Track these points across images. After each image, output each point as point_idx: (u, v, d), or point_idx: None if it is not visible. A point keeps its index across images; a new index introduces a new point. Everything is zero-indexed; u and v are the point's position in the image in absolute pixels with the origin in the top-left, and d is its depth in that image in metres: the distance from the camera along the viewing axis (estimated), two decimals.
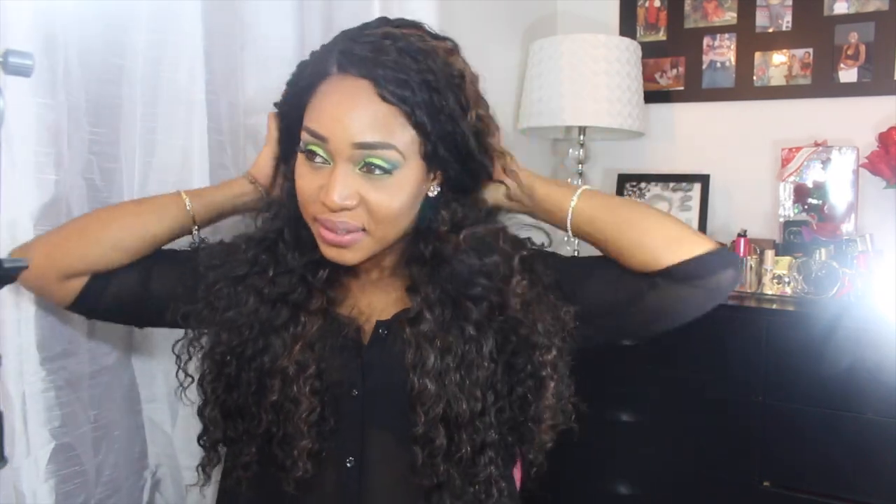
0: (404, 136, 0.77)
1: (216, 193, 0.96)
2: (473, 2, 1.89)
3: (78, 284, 0.88)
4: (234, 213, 0.97)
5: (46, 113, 0.92)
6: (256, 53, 1.23)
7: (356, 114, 0.76)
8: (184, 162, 1.12)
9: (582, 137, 2.09)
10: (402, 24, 0.84)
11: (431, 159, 0.80)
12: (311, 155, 0.79)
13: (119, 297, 0.90)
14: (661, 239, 0.85)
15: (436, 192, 0.84)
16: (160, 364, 1.15)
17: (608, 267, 0.90)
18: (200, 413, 0.87)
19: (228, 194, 0.95)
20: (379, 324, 0.87)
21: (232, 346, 0.84)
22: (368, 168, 0.77)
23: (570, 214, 0.89)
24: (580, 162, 2.10)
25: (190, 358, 0.88)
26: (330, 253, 0.81)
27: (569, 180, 2.14)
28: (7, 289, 0.58)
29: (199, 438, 0.89)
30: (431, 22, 1.42)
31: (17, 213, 0.91)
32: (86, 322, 1.03)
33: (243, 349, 0.83)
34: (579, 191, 0.90)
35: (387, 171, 0.77)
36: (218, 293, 0.85)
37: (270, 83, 1.26)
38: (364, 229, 0.79)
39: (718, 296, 0.88)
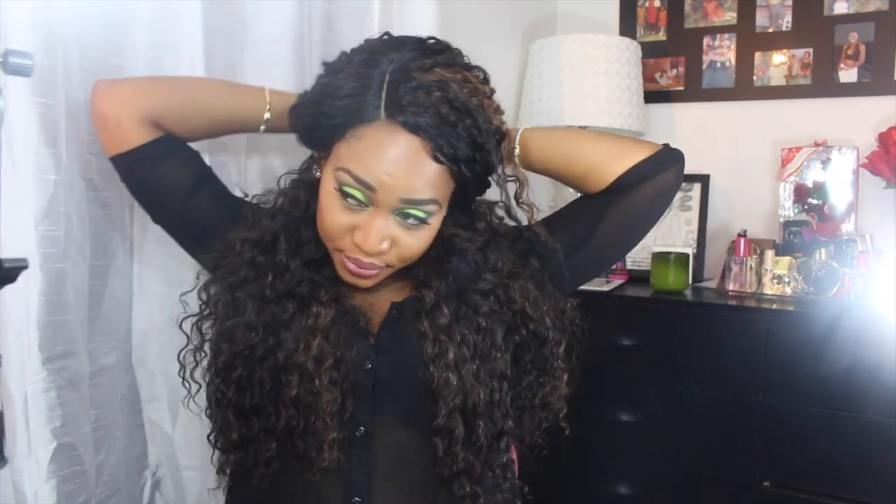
0: (447, 189, 0.81)
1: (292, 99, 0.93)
2: (473, 2, 1.89)
3: (150, 134, 0.88)
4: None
5: (46, 113, 0.92)
6: (256, 53, 1.23)
7: (411, 173, 0.77)
8: None
9: None
10: (445, 59, 0.80)
11: (463, 202, 0.87)
12: (347, 196, 0.78)
13: (168, 178, 0.91)
14: (602, 156, 0.91)
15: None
16: (160, 364, 1.15)
17: (572, 208, 0.98)
18: (212, 416, 0.88)
19: None
20: (393, 305, 0.89)
21: (236, 351, 0.84)
22: (405, 216, 0.80)
23: (516, 150, 0.94)
24: None
25: (196, 365, 0.90)
26: (349, 280, 0.84)
27: None
28: (8, 289, 0.58)
29: (209, 437, 0.90)
30: (431, 22, 1.43)
31: (17, 212, 0.91)
32: (86, 322, 1.03)
33: (251, 352, 0.84)
34: (520, 130, 0.95)
35: (423, 221, 0.80)
36: (216, 303, 0.87)
37: (270, 83, 1.26)
38: (389, 266, 0.83)
39: (664, 195, 0.94)
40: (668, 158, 0.92)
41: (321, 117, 0.79)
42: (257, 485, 0.86)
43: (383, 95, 0.75)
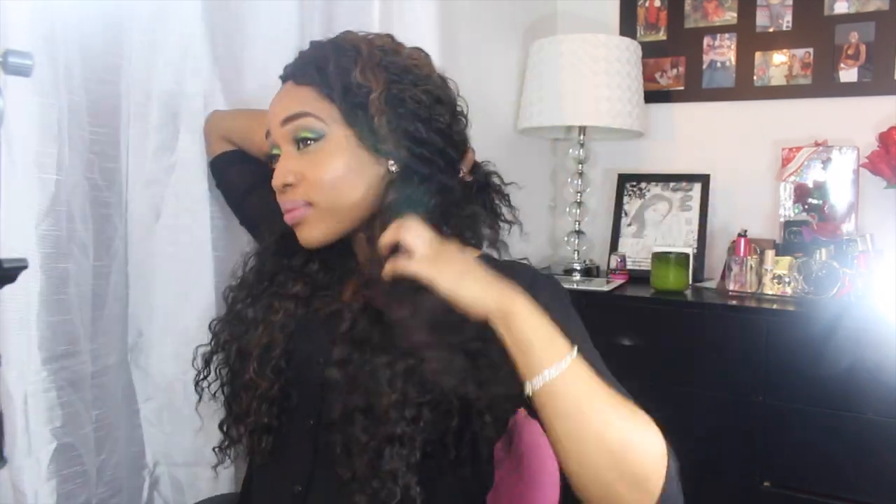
0: (320, 105, 0.84)
1: None
2: (473, 2, 1.89)
3: (222, 147, 1.13)
4: None
5: (47, 113, 0.92)
6: (256, 53, 1.23)
7: (281, 100, 0.87)
8: (183, 161, 1.13)
9: (582, 137, 2.09)
10: (343, 33, 0.91)
11: (351, 126, 0.83)
12: (273, 158, 0.88)
13: (232, 182, 1.13)
14: (606, 482, 0.68)
15: (394, 168, 0.85)
16: (155, 363, 1.15)
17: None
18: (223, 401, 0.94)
19: None
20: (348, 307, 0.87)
21: (228, 340, 0.92)
22: (303, 143, 0.84)
23: (530, 387, 0.70)
24: (580, 162, 2.10)
25: (209, 373, 0.93)
26: (298, 236, 0.87)
27: (568, 180, 2.14)
28: (8, 289, 0.58)
29: (220, 426, 0.94)
30: (431, 22, 1.43)
31: (19, 212, 0.91)
32: (88, 322, 1.03)
33: (238, 341, 0.91)
34: (568, 358, 0.70)
35: (315, 140, 0.84)
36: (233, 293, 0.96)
37: (270, 83, 1.26)
38: (311, 203, 0.84)
39: None
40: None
41: None
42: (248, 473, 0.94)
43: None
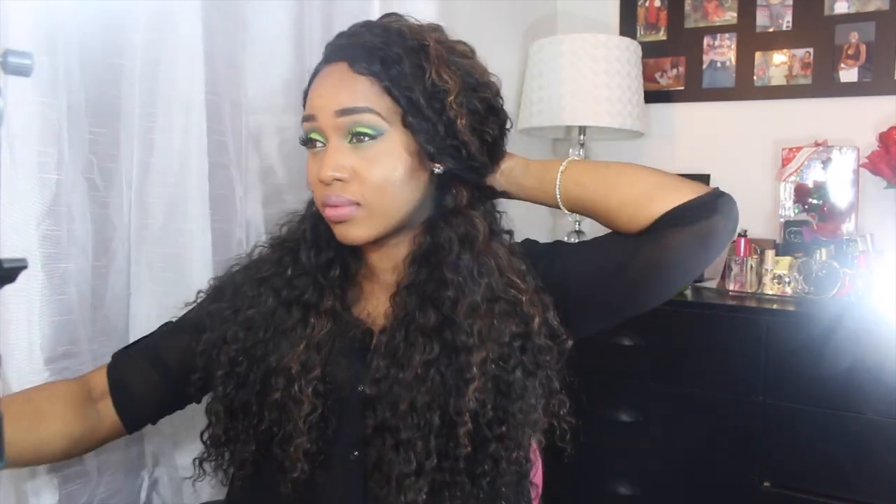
0: (382, 102, 0.80)
1: None
2: (473, 2, 1.89)
3: (106, 405, 0.90)
4: None
5: (47, 113, 0.92)
6: (256, 53, 1.23)
7: (335, 87, 0.81)
8: (182, 162, 1.12)
9: (582, 137, 2.08)
10: (387, 15, 0.87)
11: (413, 129, 0.81)
12: (310, 143, 0.83)
13: (147, 394, 0.91)
14: (644, 190, 0.85)
15: (441, 170, 0.84)
16: None
17: (600, 238, 0.91)
18: (208, 410, 0.89)
19: None
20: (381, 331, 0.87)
21: (247, 346, 0.85)
22: (358, 138, 0.80)
23: (558, 182, 0.89)
24: None
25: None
26: (339, 232, 0.84)
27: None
28: (9, 289, 0.58)
29: (201, 434, 0.90)
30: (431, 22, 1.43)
31: (18, 212, 0.91)
32: (88, 322, 1.03)
33: (255, 349, 0.85)
34: (566, 160, 0.91)
35: (373, 137, 0.80)
36: (242, 294, 0.89)
37: (271, 83, 1.27)
38: (359, 203, 0.81)
39: (705, 245, 0.84)
40: (715, 205, 0.84)
41: (303, 106, 0.86)
42: (229, 488, 0.88)
43: (324, 53, 0.85)
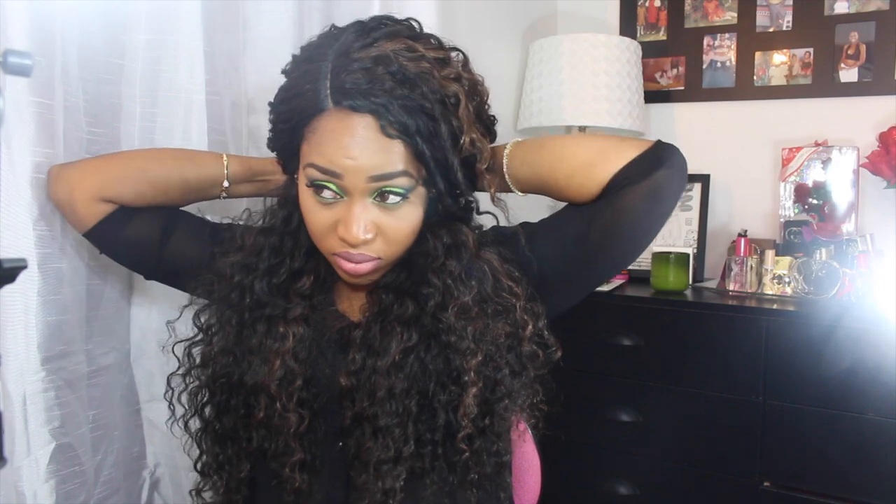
0: (412, 161, 0.77)
1: (255, 164, 1.00)
2: (473, 2, 1.89)
3: (104, 210, 0.92)
4: (261, 194, 0.97)
5: (45, 113, 0.92)
6: (256, 53, 1.23)
7: (371, 150, 0.75)
8: None
9: None
10: (385, 34, 0.78)
11: (427, 183, 0.80)
12: (318, 190, 0.78)
13: (136, 238, 0.94)
14: (588, 158, 0.84)
15: (431, 195, 0.83)
16: (158, 364, 1.15)
17: (557, 214, 0.90)
18: (198, 441, 0.89)
19: (263, 169, 0.99)
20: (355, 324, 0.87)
21: (216, 376, 0.85)
22: (383, 196, 0.77)
23: (505, 165, 0.88)
24: None
25: (186, 388, 0.90)
26: (347, 278, 0.83)
27: None
28: (7, 289, 0.58)
29: (194, 464, 0.91)
30: (431, 22, 1.43)
31: (17, 213, 0.91)
32: (84, 322, 1.03)
33: (227, 377, 0.84)
34: (510, 143, 0.90)
35: (403, 197, 0.78)
36: (208, 329, 0.88)
37: (271, 83, 1.26)
38: (380, 258, 0.80)
39: (658, 198, 0.83)
40: (659, 156, 0.82)
41: (279, 124, 0.81)
42: None
43: (328, 85, 0.75)
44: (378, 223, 0.78)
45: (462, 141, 0.78)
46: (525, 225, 0.92)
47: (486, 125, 0.86)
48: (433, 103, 0.75)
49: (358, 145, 0.74)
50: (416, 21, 0.83)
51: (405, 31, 0.80)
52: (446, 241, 0.83)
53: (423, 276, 0.82)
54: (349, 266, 0.80)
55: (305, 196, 0.80)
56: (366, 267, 0.80)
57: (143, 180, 0.92)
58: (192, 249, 0.94)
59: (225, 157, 0.98)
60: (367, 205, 0.77)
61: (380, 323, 0.81)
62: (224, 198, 0.99)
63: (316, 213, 0.79)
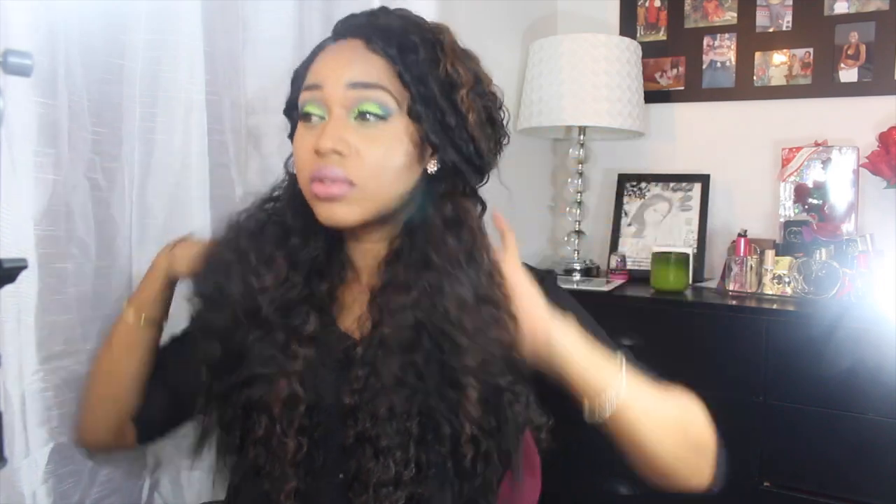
0: (394, 85, 0.78)
1: (149, 285, 0.94)
2: (473, 2, 1.89)
3: (129, 432, 0.94)
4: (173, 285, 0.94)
5: (47, 113, 0.92)
6: (256, 53, 1.23)
7: (348, 60, 0.78)
8: (183, 162, 1.12)
9: (582, 137, 2.09)
10: (398, 9, 0.85)
11: (419, 119, 0.78)
12: (307, 117, 0.79)
13: (165, 418, 0.96)
14: (682, 478, 0.82)
15: (434, 169, 0.81)
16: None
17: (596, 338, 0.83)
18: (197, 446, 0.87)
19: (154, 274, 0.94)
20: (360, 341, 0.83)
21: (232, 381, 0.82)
22: (363, 116, 0.77)
23: (607, 408, 0.79)
24: (580, 162, 2.10)
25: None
26: (323, 212, 0.79)
27: (568, 180, 2.14)
28: (6, 289, 0.58)
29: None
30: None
31: (18, 213, 0.91)
32: (87, 322, 1.03)
33: (235, 381, 0.81)
34: (619, 385, 0.79)
35: (381, 118, 0.77)
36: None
37: (271, 83, 1.27)
38: (352, 183, 0.77)
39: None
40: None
41: (292, 83, 0.86)
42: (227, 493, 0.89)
43: (334, 29, 0.84)
44: (354, 143, 0.77)
45: (443, 67, 0.79)
46: (554, 282, 0.90)
47: (492, 120, 0.84)
48: (418, 36, 0.79)
49: (341, 57, 0.79)
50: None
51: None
52: (448, 212, 0.80)
53: (424, 256, 0.78)
54: (320, 188, 0.77)
55: (297, 132, 0.81)
56: (337, 188, 0.76)
57: (113, 405, 0.92)
58: (190, 365, 0.86)
59: (131, 316, 0.93)
60: (344, 121, 0.77)
61: (379, 342, 0.78)
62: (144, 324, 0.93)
63: (302, 139, 0.80)
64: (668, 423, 0.82)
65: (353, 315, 0.84)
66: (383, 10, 0.83)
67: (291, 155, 0.86)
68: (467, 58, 0.84)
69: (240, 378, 0.80)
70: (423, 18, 0.84)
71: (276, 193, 0.88)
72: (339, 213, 0.78)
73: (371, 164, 0.77)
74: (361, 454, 0.77)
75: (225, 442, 0.84)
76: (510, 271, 0.78)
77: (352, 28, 0.81)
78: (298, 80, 0.84)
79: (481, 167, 0.84)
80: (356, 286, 0.87)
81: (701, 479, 0.82)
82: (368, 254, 0.85)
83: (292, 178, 0.85)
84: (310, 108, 0.79)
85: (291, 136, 0.87)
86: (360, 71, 0.77)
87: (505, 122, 0.87)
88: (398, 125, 0.78)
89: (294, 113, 0.84)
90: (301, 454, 0.79)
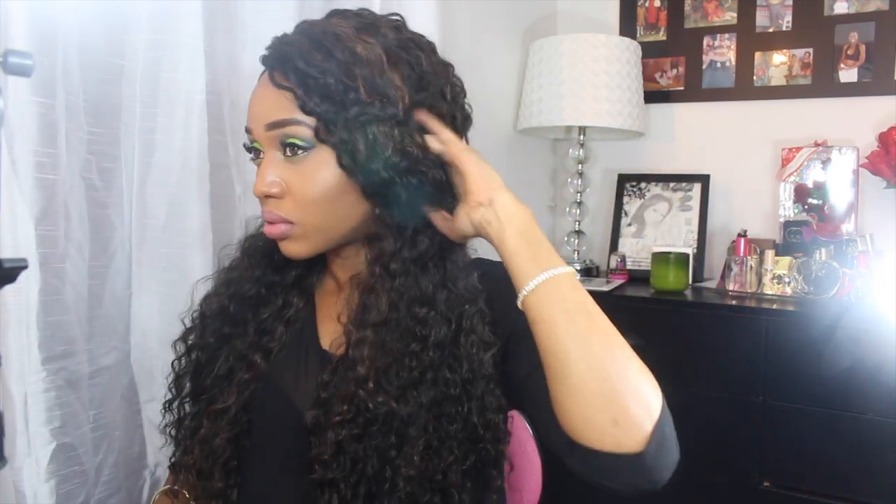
0: (305, 118, 0.75)
1: None
2: (473, 2, 1.89)
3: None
4: None
5: (46, 113, 0.92)
6: (256, 53, 1.22)
7: (262, 99, 0.78)
8: (183, 162, 1.12)
9: (582, 137, 2.09)
10: (336, 13, 0.81)
11: (331, 144, 0.75)
12: (254, 152, 0.81)
13: None
14: (594, 409, 0.66)
15: (378, 212, 0.79)
16: (159, 364, 1.15)
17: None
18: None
19: None
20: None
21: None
22: (291, 150, 0.76)
23: (521, 297, 0.72)
24: (580, 162, 2.10)
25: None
26: (281, 248, 0.82)
27: (568, 180, 2.14)
28: (8, 289, 0.58)
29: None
30: (431, 22, 1.43)
31: (18, 213, 0.91)
32: (86, 322, 1.03)
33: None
34: (545, 274, 0.71)
35: (304, 150, 0.76)
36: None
37: None
38: (290, 222, 0.78)
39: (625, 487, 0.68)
40: (646, 470, 0.66)
41: None
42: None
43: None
44: (286, 180, 0.77)
45: (357, 90, 0.74)
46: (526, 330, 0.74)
47: (440, 101, 0.79)
48: (325, 55, 0.74)
49: (258, 96, 0.79)
50: (398, 15, 0.82)
51: (364, 13, 0.80)
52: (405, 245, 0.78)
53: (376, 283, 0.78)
54: (268, 228, 0.79)
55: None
56: (279, 229, 0.78)
57: None
58: None
59: None
60: (275, 159, 0.77)
61: (338, 370, 0.79)
62: None
63: (255, 180, 0.80)
64: (592, 343, 0.68)
65: (334, 330, 0.83)
66: (299, 27, 0.79)
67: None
68: (411, 56, 0.78)
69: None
70: (352, 24, 0.77)
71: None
72: (291, 249, 0.80)
73: (303, 200, 0.77)
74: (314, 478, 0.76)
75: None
76: (446, 137, 0.77)
77: (265, 59, 0.80)
78: None
79: (420, 181, 0.77)
80: (339, 295, 0.86)
81: (629, 438, 0.65)
82: (347, 265, 0.86)
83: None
84: (254, 145, 0.80)
85: None
86: (271, 109, 0.76)
87: (463, 118, 0.83)
88: (322, 153, 0.76)
89: None
90: (234, 463, 0.83)
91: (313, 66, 0.74)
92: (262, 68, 0.81)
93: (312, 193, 0.77)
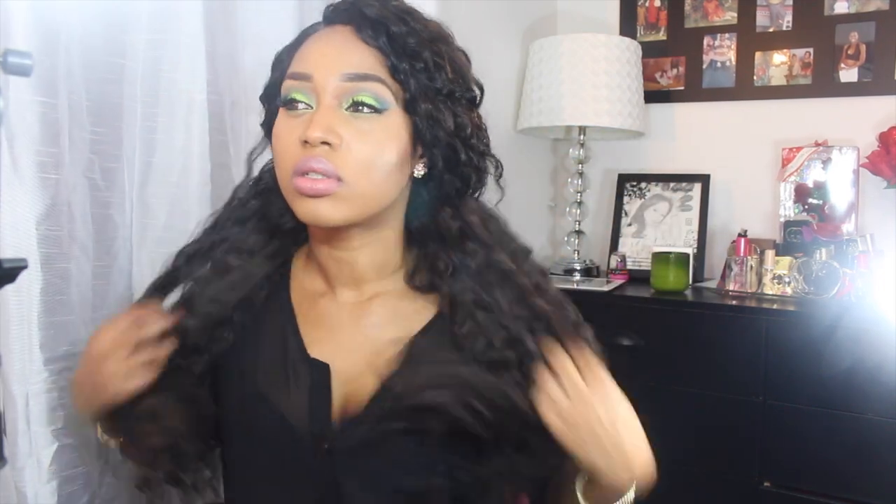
0: (388, 78, 0.72)
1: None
2: (473, 2, 1.89)
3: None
4: None
5: (48, 112, 0.92)
6: (256, 53, 1.23)
7: (342, 50, 0.73)
8: (184, 161, 1.13)
9: (582, 137, 2.09)
10: None
11: (416, 115, 0.74)
12: (292, 104, 0.73)
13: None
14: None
15: (422, 174, 0.77)
16: None
17: None
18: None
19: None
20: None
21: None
22: (356, 107, 0.71)
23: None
24: (580, 162, 2.10)
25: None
26: (306, 209, 0.72)
27: (568, 180, 2.14)
28: (8, 289, 0.58)
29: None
30: None
31: (19, 212, 0.91)
32: (88, 322, 1.03)
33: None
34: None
35: (376, 111, 0.72)
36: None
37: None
38: (340, 179, 0.71)
39: None
40: None
41: (272, 71, 0.79)
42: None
43: (323, 15, 0.78)
44: (345, 134, 0.71)
45: (445, 70, 0.74)
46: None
47: (480, 125, 0.82)
48: (416, 28, 0.74)
49: (333, 46, 0.73)
50: None
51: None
52: (451, 224, 0.78)
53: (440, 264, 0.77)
54: (305, 184, 0.70)
55: (279, 120, 0.75)
56: (323, 185, 0.70)
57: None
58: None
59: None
60: (337, 111, 0.71)
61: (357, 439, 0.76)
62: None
63: (284, 128, 0.73)
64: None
65: (326, 339, 0.79)
66: (387, 4, 0.76)
67: (255, 149, 0.84)
68: (462, 57, 0.81)
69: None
70: (416, 11, 0.78)
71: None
72: (323, 211, 0.72)
73: (362, 159, 0.71)
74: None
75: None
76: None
77: (341, 14, 0.75)
78: (281, 64, 0.78)
79: (477, 171, 0.80)
80: (329, 299, 0.81)
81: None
82: (343, 264, 0.79)
83: (256, 179, 0.83)
84: (296, 95, 0.73)
85: (265, 124, 0.81)
86: (357, 61, 0.72)
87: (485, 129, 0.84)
88: (393, 120, 0.73)
89: (274, 99, 0.78)
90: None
91: (409, 33, 0.72)
92: (261, 68, 0.81)
93: (374, 155, 0.72)
